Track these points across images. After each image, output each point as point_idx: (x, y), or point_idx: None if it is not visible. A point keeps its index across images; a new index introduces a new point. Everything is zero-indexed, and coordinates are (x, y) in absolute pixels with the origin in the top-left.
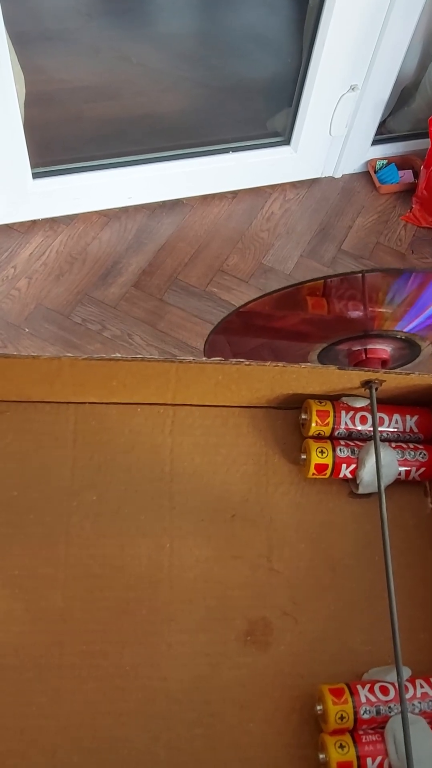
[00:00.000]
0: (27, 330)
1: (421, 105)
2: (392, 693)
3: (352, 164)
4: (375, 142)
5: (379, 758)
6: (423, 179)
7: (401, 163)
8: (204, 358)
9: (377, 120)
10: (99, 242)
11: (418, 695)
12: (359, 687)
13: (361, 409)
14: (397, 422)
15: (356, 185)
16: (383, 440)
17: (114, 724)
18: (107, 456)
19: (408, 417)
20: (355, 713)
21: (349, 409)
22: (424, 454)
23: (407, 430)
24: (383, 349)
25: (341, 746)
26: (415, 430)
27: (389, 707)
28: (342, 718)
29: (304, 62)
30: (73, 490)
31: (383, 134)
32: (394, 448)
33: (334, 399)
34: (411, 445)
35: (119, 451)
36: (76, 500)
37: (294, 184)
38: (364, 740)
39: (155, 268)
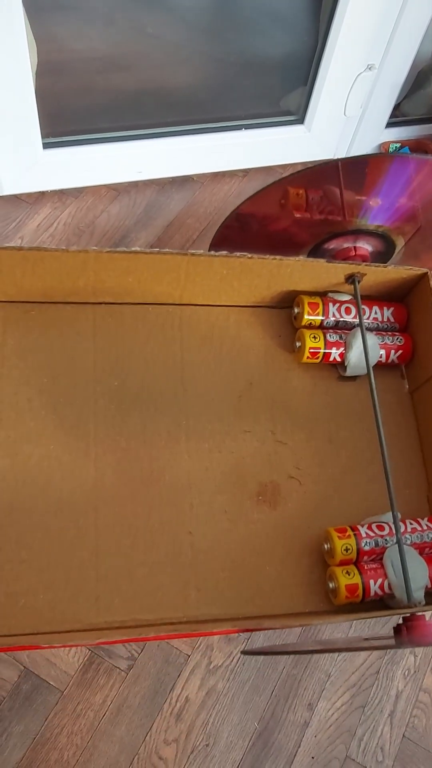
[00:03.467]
0: None
1: None
2: (387, 529)
3: (365, 146)
4: (389, 125)
5: (380, 580)
6: None
7: (415, 147)
8: (212, 252)
9: (392, 102)
10: (108, 215)
11: (409, 530)
12: (359, 526)
13: (346, 302)
14: (376, 313)
15: None
16: (365, 329)
17: (149, 572)
18: (124, 349)
19: (385, 309)
20: (358, 545)
21: (335, 302)
22: (401, 339)
23: (385, 320)
24: (363, 246)
25: (347, 573)
26: (392, 320)
27: (385, 540)
28: (347, 550)
29: (321, 40)
30: (96, 378)
31: (397, 117)
32: (375, 335)
33: (322, 295)
34: (389, 333)
35: (135, 344)
36: (100, 386)
37: (306, 165)
38: (366, 568)
39: (164, 244)
